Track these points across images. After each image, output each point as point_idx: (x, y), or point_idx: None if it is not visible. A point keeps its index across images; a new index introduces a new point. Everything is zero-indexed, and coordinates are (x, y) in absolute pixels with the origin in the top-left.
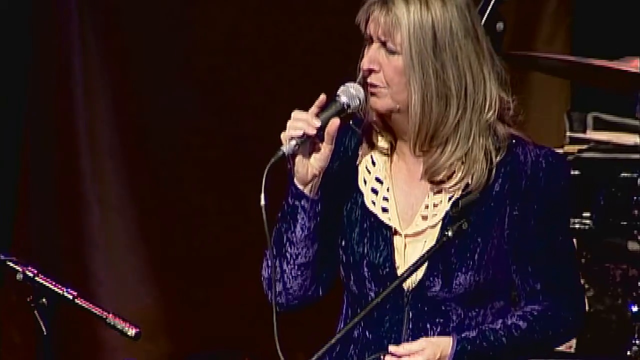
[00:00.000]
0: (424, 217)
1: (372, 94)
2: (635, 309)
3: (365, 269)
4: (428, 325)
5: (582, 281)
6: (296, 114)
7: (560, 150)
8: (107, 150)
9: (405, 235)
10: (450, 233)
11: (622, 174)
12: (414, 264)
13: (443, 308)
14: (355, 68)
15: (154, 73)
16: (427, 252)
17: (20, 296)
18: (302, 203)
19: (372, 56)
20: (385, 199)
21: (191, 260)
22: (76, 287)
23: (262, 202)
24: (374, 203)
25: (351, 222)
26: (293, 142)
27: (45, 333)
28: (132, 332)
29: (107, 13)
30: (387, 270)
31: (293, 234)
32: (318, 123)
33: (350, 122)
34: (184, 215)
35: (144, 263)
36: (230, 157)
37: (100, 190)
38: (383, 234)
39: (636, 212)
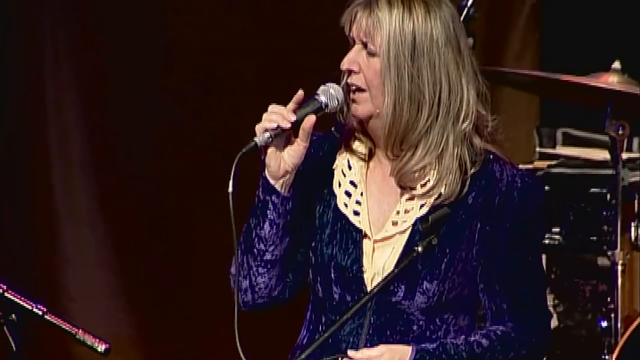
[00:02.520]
0: (395, 223)
1: (353, 101)
2: (605, 324)
3: (332, 271)
4: (388, 332)
5: (551, 297)
6: (273, 107)
7: (529, 166)
8: (78, 164)
9: (375, 240)
10: (420, 249)
11: (592, 190)
12: (384, 279)
13: (405, 317)
14: (339, 74)
15: (125, 86)
16: (397, 267)
17: None
18: (273, 198)
19: (352, 57)
20: (358, 202)
21: (162, 274)
22: (47, 303)
23: (230, 189)
24: (346, 205)
25: (322, 223)
26: (267, 134)
27: (14, 349)
28: (101, 347)
29: (80, 26)
30: (354, 273)
31: (262, 230)
32: (293, 118)
33: (332, 129)
34: (155, 229)
35: (115, 277)
36: (203, 170)
37: (71, 205)
38: (353, 237)
39: (606, 227)
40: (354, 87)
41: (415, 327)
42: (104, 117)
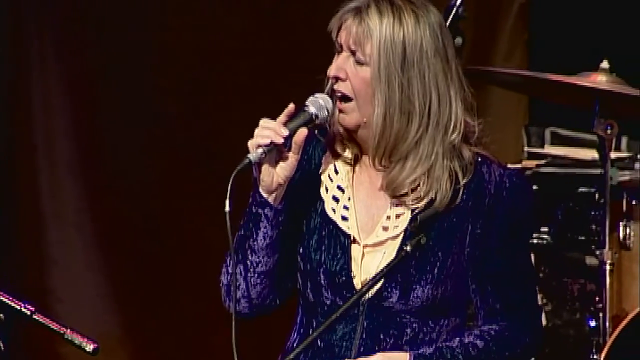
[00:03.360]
0: (385, 228)
1: (340, 111)
2: (593, 323)
3: (322, 277)
4: (382, 336)
5: (540, 296)
6: (264, 122)
7: (518, 165)
8: (66, 166)
9: (365, 245)
10: (408, 248)
11: (580, 189)
12: (373, 278)
13: (398, 320)
14: (324, 77)
15: (112, 87)
16: (387, 266)
17: None
18: (266, 211)
19: (339, 64)
20: (346, 207)
21: (150, 275)
22: (34, 303)
23: (227, 208)
24: (334, 211)
25: (310, 229)
26: (260, 150)
27: (2, 349)
28: (90, 347)
29: (67, 28)
30: (344, 278)
31: (255, 242)
32: (286, 132)
33: (316, 132)
34: (143, 230)
35: (102, 279)
36: (192, 171)
37: (58, 206)
38: (341, 242)
39: (594, 227)
40: (339, 95)
41: (408, 331)
42: (91, 118)
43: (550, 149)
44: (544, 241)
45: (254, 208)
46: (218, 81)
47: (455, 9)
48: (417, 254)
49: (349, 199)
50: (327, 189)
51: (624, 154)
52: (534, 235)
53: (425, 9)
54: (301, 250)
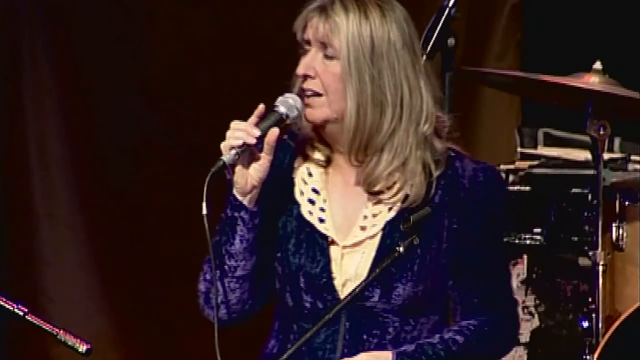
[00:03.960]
0: (363, 228)
1: (308, 105)
2: (586, 324)
3: (302, 280)
4: (365, 337)
5: (532, 297)
6: (235, 124)
7: (511, 166)
8: (58, 166)
9: (344, 246)
10: (401, 249)
11: (573, 190)
12: (365, 280)
13: (380, 319)
14: (290, 82)
15: (106, 88)
16: (379, 266)
17: None
18: (242, 214)
19: (307, 62)
20: (322, 209)
21: (143, 276)
22: (26, 304)
23: (204, 211)
24: (311, 213)
25: (287, 233)
26: (233, 152)
27: None
28: (83, 348)
29: (59, 28)
30: (325, 280)
31: (232, 246)
32: (258, 132)
33: (285, 137)
34: (135, 231)
35: (95, 279)
36: (185, 172)
37: (50, 206)
38: (319, 245)
39: (587, 227)
40: (310, 93)
41: (391, 330)
42: (83, 119)
43: (543, 150)
44: (537, 242)
45: (230, 212)
46: (214, 84)
47: (447, 9)
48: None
49: (325, 200)
50: (302, 192)
51: (617, 155)
52: (527, 236)
53: (390, 4)
54: (279, 254)
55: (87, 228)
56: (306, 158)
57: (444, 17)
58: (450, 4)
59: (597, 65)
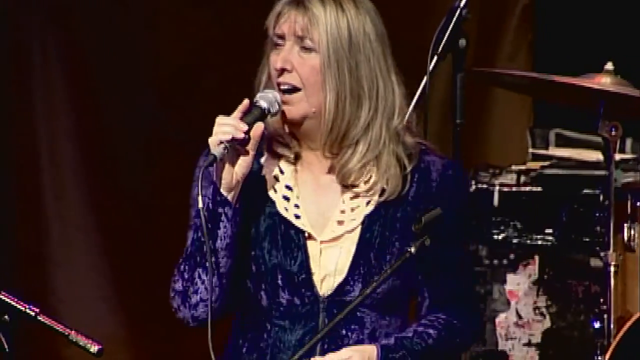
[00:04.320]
0: (340, 222)
1: (285, 103)
2: (597, 325)
3: (280, 277)
4: (343, 332)
5: (544, 298)
6: (222, 119)
7: (522, 167)
8: (69, 166)
9: (322, 242)
10: (413, 249)
11: (585, 191)
12: (377, 280)
13: (358, 314)
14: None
15: (116, 88)
16: (390, 267)
17: None
18: (226, 210)
19: (284, 56)
20: (297, 206)
21: (154, 277)
22: (36, 305)
23: (200, 204)
24: (286, 210)
25: (262, 231)
26: (222, 146)
27: (7, 350)
28: (94, 348)
29: (69, 28)
30: (303, 276)
31: (215, 243)
32: (245, 127)
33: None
34: (146, 231)
35: (105, 280)
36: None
37: (61, 207)
38: (297, 241)
39: (598, 228)
40: (287, 87)
41: (368, 325)
42: (94, 119)
43: (554, 151)
44: (548, 243)
45: (214, 208)
46: (223, 83)
47: (459, 10)
48: (376, 246)
49: (298, 197)
50: (275, 190)
51: (629, 156)
52: (538, 236)
53: None
54: (253, 253)
55: (98, 228)
56: (274, 155)
57: (455, 18)
58: (462, 5)
59: (609, 65)
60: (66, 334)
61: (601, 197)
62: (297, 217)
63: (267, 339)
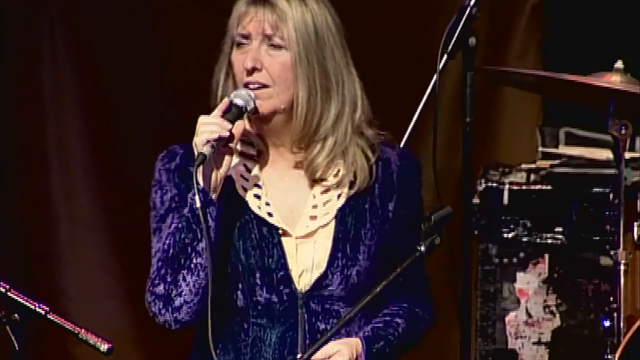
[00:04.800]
0: (313, 217)
1: (256, 98)
2: (607, 324)
3: (258, 275)
4: (323, 327)
5: (554, 296)
6: (205, 118)
7: (532, 165)
8: (78, 167)
9: (297, 237)
10: (422, 248)
11: (595, 189)
12: (392, 275)
13: (336, 308)
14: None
15: (126, 88)
16: (400, 265)
17: None
18: (210, 210)
19: (254, 55)
20: (268, 203)
21: None
22: (46, 303)
23: (198, 204)
24: (259, 208)
25: (237, 230)
26: (209, 145)
27: (17, 349)
28: (104, 347)
29: (79, 28)
30: (282, 273)
31: (200, 244)
32: (230, 125)
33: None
34: None
35: (115, 279)
36: None
37: (70, 207)
38: (272, 238)
39: (608, 227)
40: (257, 85)
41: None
42: (103, 119)
43: (564, 149)
44: (558, 241)
45: (198, 209)
46: None
47: (469, 9)
48: (351, 238)
49: (267, 194)
50: (245, 189)
51: (639, 154)
52: (548, 235)
53: None
54: (228, 252)
55: (107, 228)
56: (239, 154)
57: (465, 16)
58: (472, 4)
59: (619, 64)
60: (76, 332)
61: (611, 196)
62: (270, 214)
63: (245, 339)
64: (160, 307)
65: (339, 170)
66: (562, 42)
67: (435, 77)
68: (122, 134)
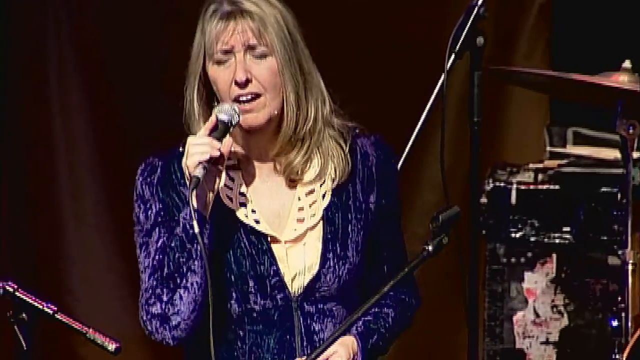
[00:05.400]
0: (300, 220)
1: (249, 111)
2: (615, 323)
3: (251, 283)
4: (318, 327)
5: (562, 296)
6: (195, 139)
7: (540, 165)
8: (85, 167)
9: (285, 242)
10: (430, 248)
11: (602, 189)
12: (400, 275)
13: (328, 306)
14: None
15: (133, 89)
16: (408, 265)
17: None
18: (205, 229)
19: (243, 67)
20: (254, 211)
21: None
22: (53, 303)
23: (196, 229)
24: (246, 216)
25: (225, 240)
26: (201, 167)
27: (25, 348)
28: (112, 346)
29: (85, 29)
30: (276, 279)
31: (194, 262)
32: (219, 144)
33: (181, 148)
34: None
35: (121, 280)
36: None
37: (77, 207)
38: (262, 245)
39: (616, 226)
40: (249, 97)
41: (338, 316)
42: (110, 119)
43: (572, 149)
44: (566, 241)
45: (192, 229)
46: None
47: (476, 9)
48: (340, 235)
49: (252, 202)
50: (230, 199)
51: None
52: (556, 235)
53: None
54: (219, 263)
55: (114, 228)
56: (220, 165)
57: (472, 16)
58: (479, 4)
59: (627, 64)
60: (84, 331)
61: (619, 196)
62: (257, 221)
63: (242, 346)
64: (157, 326)
65: (317, 166)
66: (570, 42)
67: (443, 77)
68: (128, 134)
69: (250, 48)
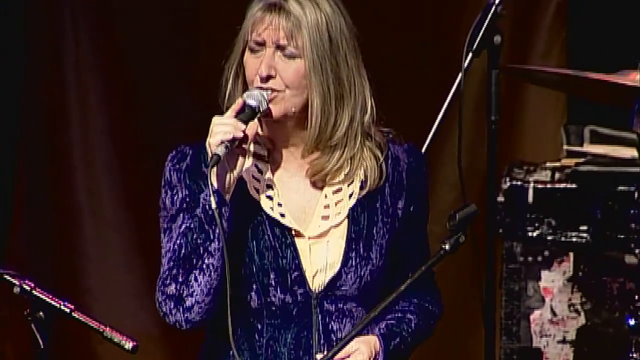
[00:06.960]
0: (325, 217)
1: (269, 101)
2: (632, 322)
3: (272, 276)
4: (336, 327)
5: (579, 295)
6: (219, 119)
7: (557, 164)
8: (103, 165)
9: (309, 237)
10: (447, 246)
11: (619, 188)
12: (418, 273)
13: (348, 306)
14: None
15: (151, 88)
16: (425, 265)
17: (13, 310)
18: (224, 210)
19: (268, 62)
20: (280, 204)
21: None
22: (70, 302)
23: (213, 205)
24: (272, 209)
25: (249, 231)
26: (224, 146)
27: (42, 347)
28: (129, 345)
29: (103, 25)
30: (296, 273)
31: (211, 244)
32: (244, 126)
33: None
34: None
35: (138, 278)
36: None
37: (95, 205)
38: (286, 239)
39: (633, 225)
40: (269, 91)
41: (356, 316)
42: (128, 116)
43: (589, 148)
44: (583, 240)
45: (211, 209)
46: None
47: (494, 7)
48: (364, 235)
49: (279, 195)
50: (257, 190)
51: None
52: (573, 233)
53: None
54: (241, 253)
55: (131, 226)
56: (250, 155)
57: (490, 14)
58: (497, 2)
59: None
60: (101, 330)
61: (636, 194)
62: (283, 215)
63: (260, 339)
64: (172, 307)
65: (349, 172)
66: (587, 40)
67: (460, 75)
68: (146, 132)
69: (279, 47)
